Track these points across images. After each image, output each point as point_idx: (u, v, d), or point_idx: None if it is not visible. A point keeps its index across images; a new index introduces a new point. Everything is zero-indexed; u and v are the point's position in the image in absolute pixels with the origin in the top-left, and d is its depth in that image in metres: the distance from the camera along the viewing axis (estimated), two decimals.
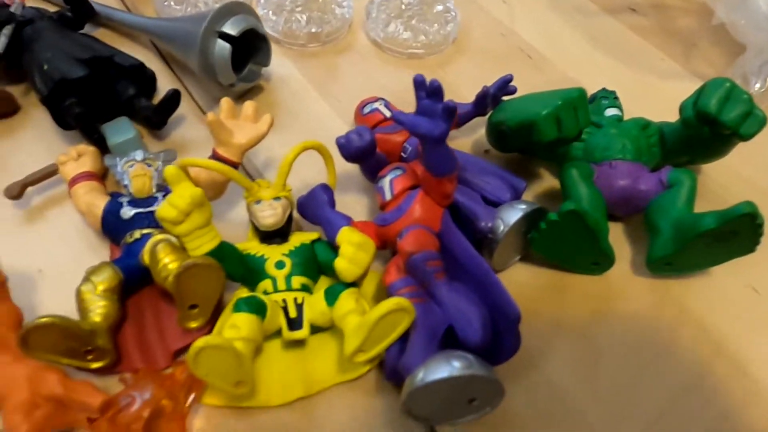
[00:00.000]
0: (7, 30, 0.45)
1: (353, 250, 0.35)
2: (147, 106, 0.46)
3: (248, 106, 0.42)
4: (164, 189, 0.41)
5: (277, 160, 0.46)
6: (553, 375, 0.38)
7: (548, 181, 0.48)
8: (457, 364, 0.29)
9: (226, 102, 0.41)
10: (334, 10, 0.55)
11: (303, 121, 0.51)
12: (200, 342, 0.30)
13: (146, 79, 0.48)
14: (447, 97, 0.35)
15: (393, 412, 0.36)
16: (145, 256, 0.36)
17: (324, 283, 0.39)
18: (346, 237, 0.35)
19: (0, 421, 0.31)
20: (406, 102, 0.47)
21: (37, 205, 0.44)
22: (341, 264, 0.35)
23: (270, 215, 0.37)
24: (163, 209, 0.34)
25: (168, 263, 0.35)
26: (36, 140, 0.48)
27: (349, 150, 0.40)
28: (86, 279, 0.36)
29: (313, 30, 0.54)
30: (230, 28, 0.46)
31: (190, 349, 0.30)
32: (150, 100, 0.48)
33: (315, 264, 0.38)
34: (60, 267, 0.41)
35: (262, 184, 0.39)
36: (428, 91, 0.34)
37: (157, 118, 0.46)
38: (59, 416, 0.32)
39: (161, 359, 0.36)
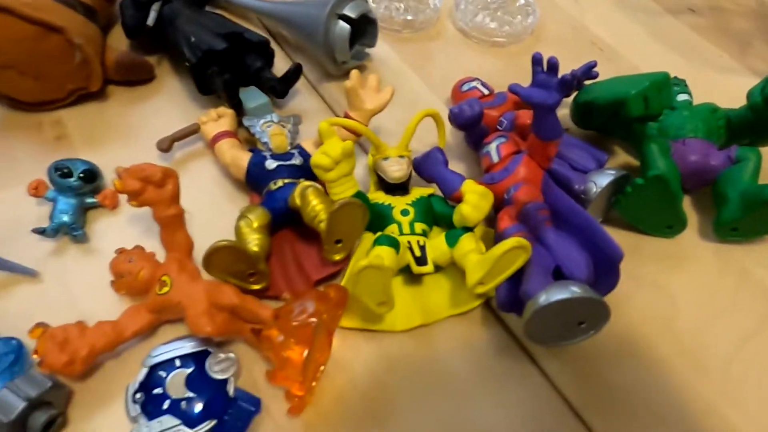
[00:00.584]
0: (156, 6, 0.52)
1: (477, 198, 0.41)
2: (272, 78, 0.52)
3: (372, 78, 0.48)
4: (297, 147, 0.48)
5: (382, 127, 0.52)
6: (634, 317, 0.44)
7: (622, 157, 0.54)
8: (575, 288, 0.35)
9: (356, 73, 0.47)
10: (427, 0, 0.62)
11: (402, 96, 0.57)
12: (364, 262, 0.36)
13: (268, 54, 0.55)
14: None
15: (500, 341, 0.42)
16: (296, 199, 0.42)
17: (435, 233, 0.45)
18: (471, 188, 0.41)
19: (188, 324, 0.38)
20: (491, 84, 0.54)
21: (179, 158, 0.51)
22: (466, 209, 0.41)
23: (398, 169, 0.44)
24: (318, 157, 0.40)
25: (316, 204, 0.41)
26: (170, 104, 0.55)
27: (461, 118, 0.46)
28: (243, 216, 0.43)
29: (409, 18, 0.61)
30: (350, 11, 0.52)
31: (352, 269, 0.36)
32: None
33: (432, 214, 0.44)
34: (203, 211, 0.47)
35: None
36: (547, 66, 0.40)
37: (281, 88, 0.52)
38: (231, 324, 0.38)
39: (302, 287, 0.43)
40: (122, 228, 0.46)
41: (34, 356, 0.37)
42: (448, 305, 0.43)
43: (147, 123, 0.54)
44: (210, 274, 0.40)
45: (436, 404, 0.39)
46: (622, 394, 0.40)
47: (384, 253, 0.39)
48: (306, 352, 0.36)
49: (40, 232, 0.44)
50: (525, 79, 0.44)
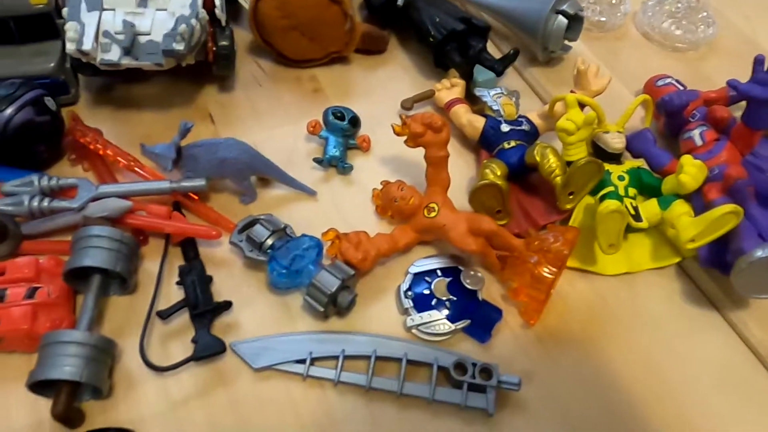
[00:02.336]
0: None
1: (695, 170, 0.49)
2: (492, 58, 0.62)
3: (593, 65, 0.57)
4: (522, 116, 0.57)
5: None
6: None
7: None
8: None
9: (582, 60, 0.56)
10: (618, 6, 0.70)
11: None
12: (613, 205, 0.45)
13: (485, 38, 0.64)
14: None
15: (691, 293, 0.50)
16: (536, 156, 0.51)
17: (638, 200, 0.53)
18: (689, 161, 0.49)
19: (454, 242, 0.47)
20: None
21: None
22: (685, 178, 0.49)
23: (618, 141, 0.52)
24: (564, 123, 0.49)
25: (553, 162, 0.50)
26: (400, 72, 0.65)
27: (671, 106, 0.54)
28: (487, 165, 0.52)
29: (602, 19, 0.69)
30: (569, 8, 0.61)
31: (601, 209, 0.45)
32: None
33: (640, 183, 0.53)
34: None
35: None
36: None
37: (500, 68, 0.61)
38: (485, 247, 0.48)
39: (528, 229, 0.52)
40: (372, 167, 0.57)
41: (329, 252, 0.48)
42: (649, 259, 0.51)
43: (383, 86, 0.64)
44: (471, 206, 0.49)
45: (637, 337, 0.48)
46: None
47: (614, 204, 0.48)
48: (555, 272, 0.45)
49: (319, 162, 0.55)
50: (701, 83, 0.55)
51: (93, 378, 0.39)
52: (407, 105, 0.59)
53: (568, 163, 0.50)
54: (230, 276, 0.49)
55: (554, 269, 0.45)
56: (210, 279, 0.47)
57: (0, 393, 0.42)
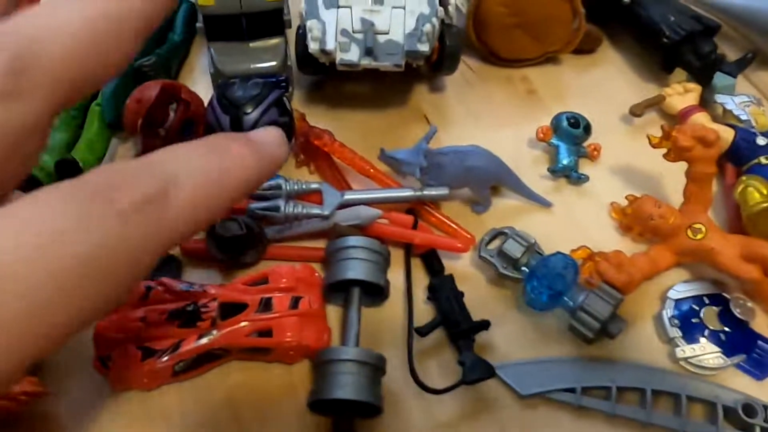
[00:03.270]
0: None
1: None
2: (726, 61, 0.57)
3: None
4: None
5: None
6: None
7: None
8: None
9: None
10: None
11: None
12: None
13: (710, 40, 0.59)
14: None
15: None
16: None
17: None
18: None
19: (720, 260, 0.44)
20: None
21: (639, 123, 0.57)
22: None
23: None
24: None
25: None
26: (615, 73, 0.61)
27: None
28: (749, 184, 0.47)
29: None
30: None
31: None
32: None
33: None
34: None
35: None
36: None
37: (736, 72, 0.56)
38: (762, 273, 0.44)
39: None
40: (603, 176, 0.53)
41: (583, 272, 0.45)
42: None
43: (598, 87, 0.60)
44: (747, 230, 0.45)
45: None
46: None
47: None
48: None
49: (552, 171, 0.52)
50: None
51: (372, 396, 0.38)
52: (637, 111, 0.55)
53: None
54: (476, 292, 0.46)
55: None
56: (462, 295, 0.45)
57: (271, 405, 0.42)
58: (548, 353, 0.44)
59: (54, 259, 0.15)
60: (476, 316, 0.44)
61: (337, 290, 0.44)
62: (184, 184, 0.18)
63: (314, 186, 0.47)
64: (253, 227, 0.45)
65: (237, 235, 0.44)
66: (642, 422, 0.40)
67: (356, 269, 0.42)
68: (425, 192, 0.47)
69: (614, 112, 0.58)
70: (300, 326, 0.41)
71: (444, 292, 0.44)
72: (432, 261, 0.47)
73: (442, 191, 0.47)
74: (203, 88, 0.55)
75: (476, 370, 0.41)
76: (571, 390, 0.41)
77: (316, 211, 0.46)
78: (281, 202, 0.45)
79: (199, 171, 0.18)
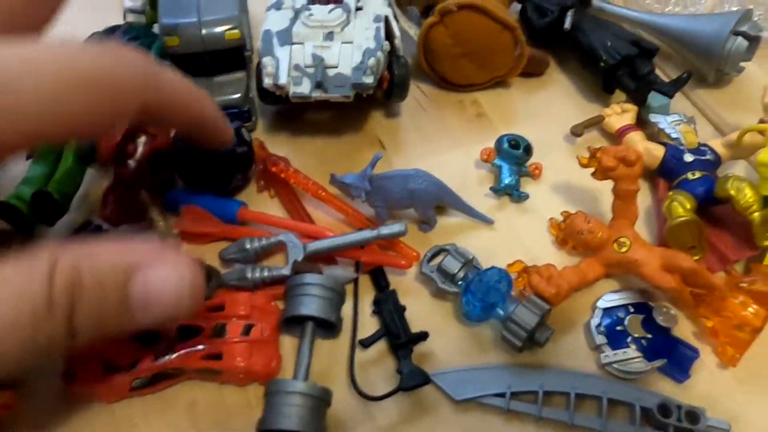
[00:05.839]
0: (571, 12, 0.62)
1: None
2: (663, 82, 0.60)
3: None
4: (703, 144, 0.55)
5: None
6: None
7: None
8: None
9: None
10: None
11: None
12: None
13: (652, 60, 0.63)
14: None
15: None
16: (730, 190, 0.49)
17: None
18: None
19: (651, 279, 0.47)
20: None
21: (582, 142, 0.60)
22: None
23: None
24: (767, 157, 0.48)
25: (750, 197, 0.48)
26: (562, 96, 0.65)
27: None
28: (674, 198, 0.51)
29: None
30: (750, 30, 0.59)
31: None
32: None
33: None
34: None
35: None
36: None
37: (672, 92, 0.60)
38: (680, 284, 0.47)
39: (719, 265, 0.50)
40: (544, 194, 0.57)
41: (517, 285, 0.49)
42: None
43: (545, 109, 0.64)
44: (668, 242, 0.49)
45: None
46: None
47: None
48: (766, 315, 0.44)
49: (495, 191, 0.55)
50: None
51: (316, 428, 0.41)
52: (577, 131, 0.59)
53: (765, 198, 0.49)
54: (419, 305, 0.50)
55: (765, 312, 0.44)
56: (404, 308, 0.48)
57: (229, 422, 0.45)
58: (484, 361, 0.48)
59: None
60: (418, 327, 0.48)
61: (294, 323, 0.47)
62: None
63: (279, 239, 0.50)
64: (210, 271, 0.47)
65: None
66: (567, 424, 0.44)
67: (310, 306, 0.45)
68: (382, 231, 0.49)
69: (559, 132, 0.61)
70: (250, 352, 0.44)
71: (387, 306, 0.48)
72: (378, 277, 0.50)
73: (399, 228, 0.49)
74: None
75: (413, 378, 0.44)
76: (502, 395, 0.45)
77: (283, 272, 0.48)
78: (248, 271, 0.49)
79: None
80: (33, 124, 0.28)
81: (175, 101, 0.37)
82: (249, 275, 0.49)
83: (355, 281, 0.50)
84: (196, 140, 0.45)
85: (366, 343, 0.46)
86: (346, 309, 0.49)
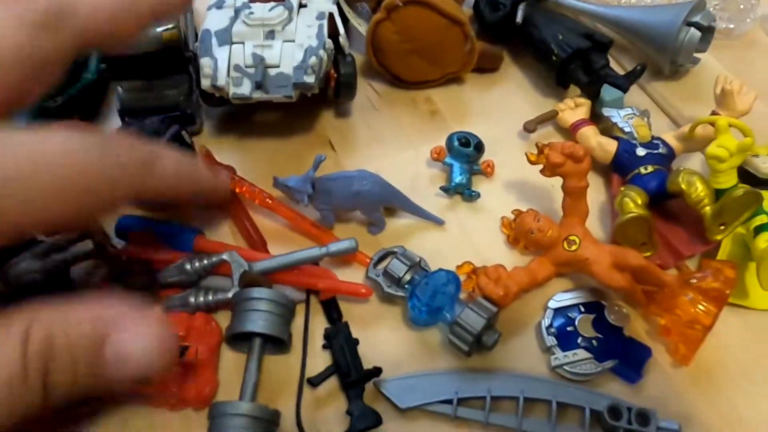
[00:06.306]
0: (523, 5, 0.60)
1: None
2: (617, 75, 0.59)
3: (736, 83, 0.53)
4: (656, 138, 0.54)
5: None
6: None
7: None
8: None
9: (725, 77, 0.53)
10: (748, 11, 0.66)
11: None
12: None
13: (607, 53, 0.62)
14: None
15: None
16: (681, 184, 0.48)
17: None
18: None
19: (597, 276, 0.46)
20: None
21: (536, 138, 0.59)
22: None
23: None
24: (717, 150, 0.47)
25: (701, 191, 0.47)
26: (516, 90, 0.64)
27: None
28: (626, 194, 0.50)
29: (731, 26, 0.65)
30: (702, 20, 0.58)
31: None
32: None
33: None
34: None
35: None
36: None
37: (626, 85, 0.59)
38: (630, 282, 0.46)
39: (672, 261, 0.49)
40: (498, 192, 0.55)
41: (465, 287, 0.47)
42: None
43: (499, 105, 0.62)
44: (616, 239, 0.47)
45: None
46: None
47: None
48: (716, 313, 0.43)
49: (445, 190, 0.54)
50: None
51: None
52: (530, 127, 0.58)
53: (717, 191, 0.48)
54: (368, 311, 0.48)
55: (714, 310, 0.43)
56: (357, 342, 0.46)
57: None
58: (434, 367, 0.46)
59: None
60: (367, 333, 0.46)
61: (241, 339, 0.45)
62: None
63: (222, 257, 0.47)
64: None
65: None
66: (515, 429, 0.42)
67: (257, 322, 0.43)
68: (332, 249, 0.48)
69: (513, 128, 0.60)
70: (182, 377, 0.42)
71: (338, 340, 0.45)
72: (330, 308, 0.48)
73: (349, 244, 0.48)
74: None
75: (363, 420, 0.42)
76: (449, 401, 0.43)
77: (228, 295, 0.46)
78: (191, 297, 0.46)
79: None
80: (19, 219, 0.28)
81: (168, 188, 0.36)
82: (192, 300, 0.46)
83: (307, 301, 0.48)
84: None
85: (315, 382, 0.44)
86: (298, 322, 0.47)
